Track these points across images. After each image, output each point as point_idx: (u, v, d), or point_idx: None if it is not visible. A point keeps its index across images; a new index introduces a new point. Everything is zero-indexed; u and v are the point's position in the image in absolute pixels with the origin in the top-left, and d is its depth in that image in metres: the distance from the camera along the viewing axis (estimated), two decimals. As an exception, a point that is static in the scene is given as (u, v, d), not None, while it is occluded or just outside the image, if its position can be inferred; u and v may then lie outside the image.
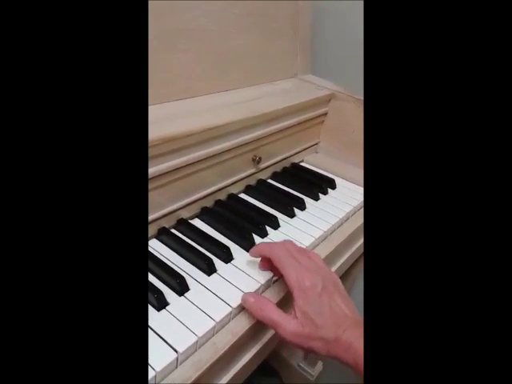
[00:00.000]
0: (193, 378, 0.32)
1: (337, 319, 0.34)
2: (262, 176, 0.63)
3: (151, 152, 0.41)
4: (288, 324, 0.35)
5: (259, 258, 0.44)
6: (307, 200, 0.58)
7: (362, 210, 0.60)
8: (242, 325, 0.37)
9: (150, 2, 0.46)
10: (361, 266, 0.72)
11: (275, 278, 0.43)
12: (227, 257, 0.45)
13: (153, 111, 0.47)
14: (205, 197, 0.53)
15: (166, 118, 0.46)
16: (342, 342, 0.33)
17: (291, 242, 0.43)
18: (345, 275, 0.61)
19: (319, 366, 0.96)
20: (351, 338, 0.32)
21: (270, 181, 0.64)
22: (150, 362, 0.31)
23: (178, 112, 0.49)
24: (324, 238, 0.52)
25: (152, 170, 0.43)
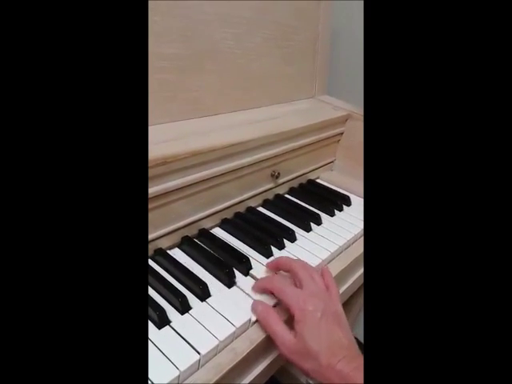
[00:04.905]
0: (213, 381, 0.33)
1: (333, 346, 0.34)
2: (280, 191, 0.65)
3: (178, 165, 0.44)
4: (286, 339, 0.36)
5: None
6: (323, 215, 0.60)
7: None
8: (260, 332, 0.39)
9: (183, 24, 0.50)
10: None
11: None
12: (245, 267, 0.46)
13: (180, 127, 0.51)
14: (225, 209, 0.55)
15: (192, 134, 0.49)
16: (336, 370, 0.33)
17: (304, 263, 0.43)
18: (358, 292, 0.62)
19: None
20: (346, 369, 0.32)
21: (287, 196, 0.66)
22: (174, 362, 0.33)
23: (203, 128, 0.52)
24: (339, 253, 0.53)
25: (178, 182, 0.45)
